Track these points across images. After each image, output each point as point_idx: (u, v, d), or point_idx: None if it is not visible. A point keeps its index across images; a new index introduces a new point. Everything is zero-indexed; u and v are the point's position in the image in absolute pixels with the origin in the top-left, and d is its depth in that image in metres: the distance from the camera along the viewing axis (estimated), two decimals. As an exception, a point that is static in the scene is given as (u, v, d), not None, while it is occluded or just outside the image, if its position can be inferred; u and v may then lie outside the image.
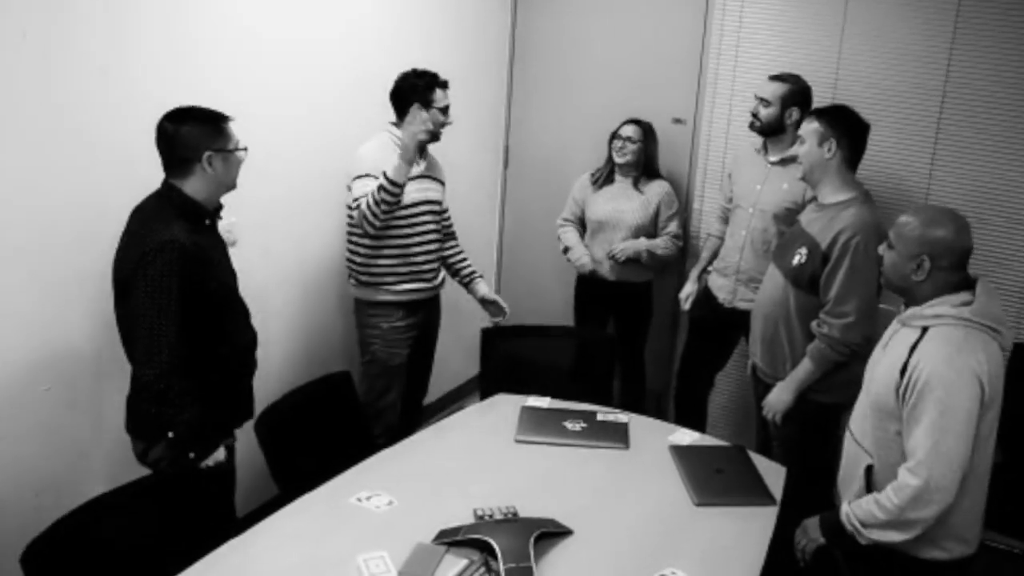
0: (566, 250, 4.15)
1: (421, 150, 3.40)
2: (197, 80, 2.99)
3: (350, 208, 3.34)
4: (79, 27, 2.61)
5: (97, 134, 2.71)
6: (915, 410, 2.19)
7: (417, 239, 3.41)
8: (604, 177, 4.07)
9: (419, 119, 3.22)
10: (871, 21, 3.77)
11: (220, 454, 2.57)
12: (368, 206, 3.21)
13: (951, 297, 2.24)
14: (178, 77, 2.93)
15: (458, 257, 3.75)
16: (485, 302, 3.73)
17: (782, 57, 3.94)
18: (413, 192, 3.35)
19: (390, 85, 3.36)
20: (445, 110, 3.36)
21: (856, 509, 2.32)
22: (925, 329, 2.24)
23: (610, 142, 4.03)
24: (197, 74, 2.99)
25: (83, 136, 2.68)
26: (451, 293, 3.75)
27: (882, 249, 2.39)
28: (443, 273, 3.63)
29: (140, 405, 2.50)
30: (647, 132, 4.03)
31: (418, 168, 3.39)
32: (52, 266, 2.67)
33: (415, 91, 3.30)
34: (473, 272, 3.74)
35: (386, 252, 3.37)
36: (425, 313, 3.58)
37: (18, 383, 2.64)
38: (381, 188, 3.17)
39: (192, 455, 2.49)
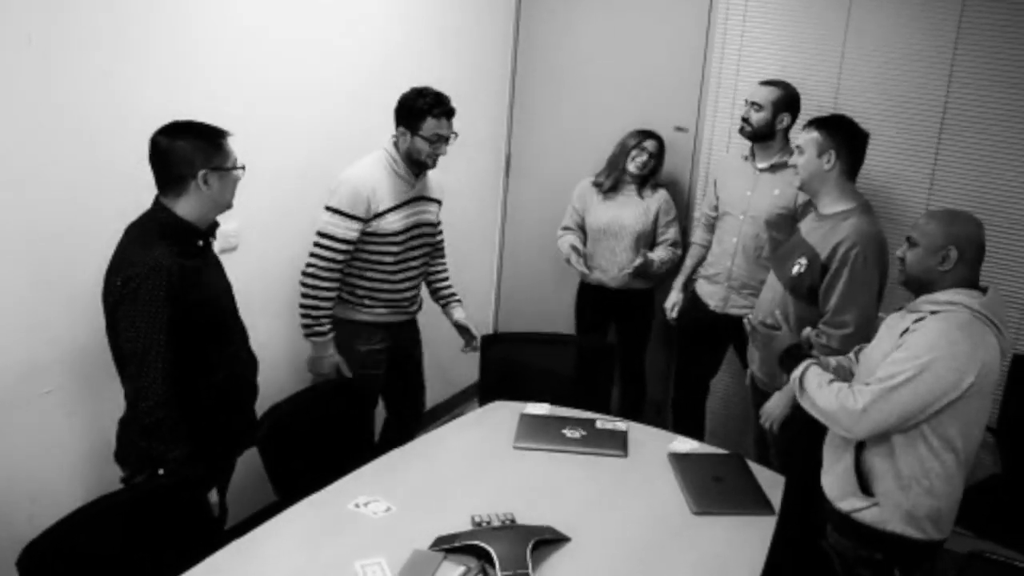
0: (563, 252, 4.11)
1: (417, 174, 3.27)
2: (199, 84, 2.99)
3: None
4: (81, 30, 2.61)
5: (98, 137, 2.71)
6: (894, 360, 2.32)
7: (403, 266, 3.31)
8: (612, 185, 4.06)
9: (326, 365, 3.22)
10: (874, 30, 3.78)
11: (212, 496, 2.48)
12: (312, 291, 3.15)
13: (966, 290, 2.36)
14: (182, 82, 2.93)
15: (441, 276, 3.62)
16: (459, 327, 3.61)
17: (784, 65, 3.94)
18: (404, 219, 3.23)
19: (392, 91, 3.34)
20: (436, 139, 3.15)
21: (812, 378, 2.48)
22: (934, 313, 2.35)
23: (629, 151, 4.02)
24: (199, 78, 3.00)
25: (84, 139, 2.68)
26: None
27: (901, 251, 2.49)
28: (419, 299, 3.50)
29: (131, 436, 2.45)
30: (662, 145, 4.06)
31: (415, 191, 3.27)
32: (53, 268, 2.66)
33: (407, 113, 3.15)
34: (452, 295, 3.63)
35: (369, 275, 3.27)
36: (404, 333, 3.48)
37: (16, 385, 2.63)
38: (308, 318, 3.16)
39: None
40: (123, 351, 2.35)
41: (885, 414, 2.30)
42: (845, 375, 2.68)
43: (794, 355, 2.62)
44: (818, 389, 2.45)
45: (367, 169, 3.19)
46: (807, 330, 2.84)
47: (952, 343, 2.27)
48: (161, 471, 2.37)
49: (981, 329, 2.31)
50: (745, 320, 2.77)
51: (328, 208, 3.15)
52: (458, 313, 3.61)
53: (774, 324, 2.85)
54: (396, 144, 3.22)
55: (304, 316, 3.20)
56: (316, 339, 3.20)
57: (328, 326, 3.21)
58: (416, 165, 3.23)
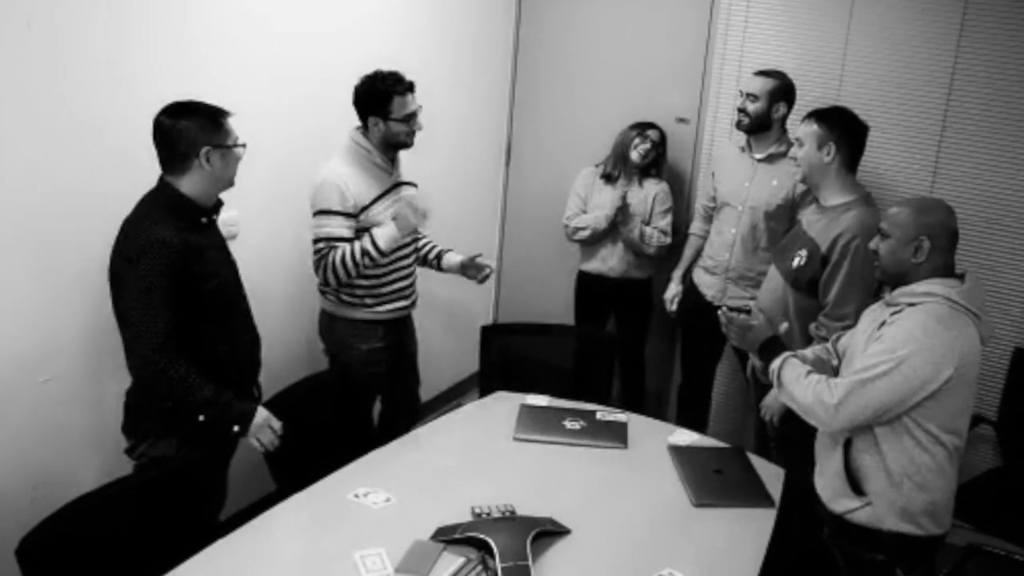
0: (587, 230, 4.06)
1: (393, 160, 3.22)
2: (202, 72, 2.98)
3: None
4: (83, 17, 2.60)
5: (100, 125, 2.70)
6: (871, 353, 2.31)
7: (397, 254, 3.24)
8: (618, 174, 4.05)
9: (410, 214, 3.03)
10: (877, 20, 3.76)
11: (257, 419, 2.55)
12: (343, 265, 3.03)
13: (943, 280, 2.35)
14: (183, 69, 2.92)
15: (424, 242, 3.51)
16: (465, 267, 3.46)
17: (787, 56, 3.93)
18: (390, 207, 3.17)
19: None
20: (408, 118, 3.10)
21: (789, 370, 2.48)
22: (912, 305, 2.34)
23: (631, 141, 4.02)
24: (202, 66, 2.99)
25: (86, 127, 2.67)
26: (451, 289, 3.74)
27: (874, 243, 2.47)
28: (416, 292, 3.44)
29: (154, 402, 2.48)
30: (664, 137, 4.09)
31: (392, 178, 3.22)
32: (53, 258, 2.66)
33: (373, 101, 3.08)
34: (440, 250, 3.51)
35: (366, 273, 3.17)
36: (401, 329, 3.44)
37: (15, 374, 2.63)
38: (366, 254, 3.02)
39: (236, 428, 2.51)
40: (124, 319, 2.38)
41: (860, 407, 2.29)
42: (822, 366, 2.66)
43: (772, 348, 2.60)
44: (795, 382, 2.44)
45: (342, 167, 3.11)
46: (783, 324, 2.82)
47: (930, 336, 2.25)
48: (202, 418, 2.45)
49: (960, 320, 2.29)
50: (720, 312, 2.73)
51: (317, 212, 3.08)
52: (455, 257, 3.49)
53: (748, 311, 2.81)
54: (366, 135, 3.14)
55: (365, 264, 3.07)
56: (384, 241, 3.06)
57: (373, 236, 3.06)
58: (395, 148, 3.17)
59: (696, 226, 4.00)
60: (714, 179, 3.84)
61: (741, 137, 3.70)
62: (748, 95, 3.56)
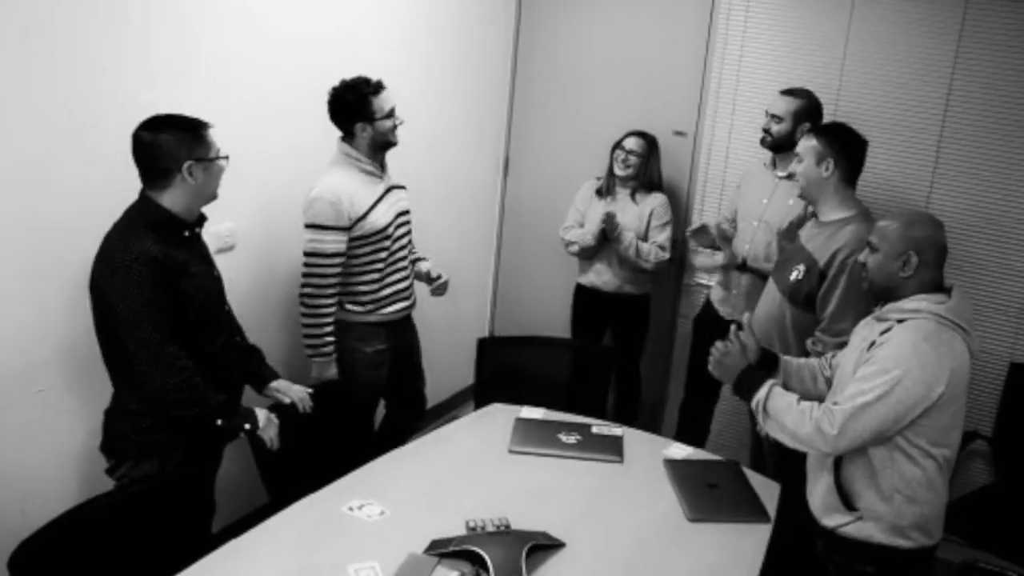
0: (576, 244, 4.08)
1: (381, 162, 3.26)
2: (199, 81, 2.98)
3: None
4: (80, 26, 2.60)
5: (97, 134, 2.69)
6: (864, 377, 2.30)
7: (396, 256, 3.30)
8: (607, 188, 4.06)
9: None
10: (875, 35, 3.78)
11: (261, 417, 2.61)
12: (314, 294, 3.13)
13: (930, 295, 2.35)
14: (180, 77, 2.92)
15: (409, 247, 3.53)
16: (430, 278, 3.51)
17: (785, 70, 3.94)
18: (386, 211, 3.22)
19: (395, 87, 3.31)
20: (391, 113, 3.17)
21: (778, 400, 2.45)
22: (900, 321, 2.34)
23: (612, 152, 4.03)
24: (199, 75, 2.99)
25: (83, 136, 2.66)
26: (447, 301, 3.73)
27: (863, 256, 2.48)
28: (415, 292, 3.48)
29: (121, 427, 2.48)
30: (651, 145, 4.03)
31: (384, 182, 3.25)
32: (48, 267, 2.65)
33: (355, 108, 3.12)
34: (416, 257, 3.54)
35: (366, 278, 3.24)
36: (403, 329, 3.47)
37: (9, 384, 2.62)
38: (313, 336, 3.16)
39: (247, 426, 2.56)
40: (124, 340, 2.35)
41: (859, 431, 2.28)
42: (810, 375, 2.68)
43: (750, 379, 2.56)
44: (786, 412, 2.41)
45: (337, 178, 3.13)
46: (745, 315, 2.79)
47: (919, 355, 2.25)
48: (219, 421, 2.49)
49: (948, 336, 2.29)
50: (713, 349, 2.72)
51: (310, 226, 3.10)
52: (425, 265, 3.53)
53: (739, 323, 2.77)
54: (354, 144, 3.18)
55: (308, 337, 3.18)
56: (321, 359, 3.20)
57: (332, 345, 3.20)
58: (383, 148, 3.22)
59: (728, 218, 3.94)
60: (739, 193, 3.80)
61: (766, 154, 3.68)
62: (772, 116, 3.52)
